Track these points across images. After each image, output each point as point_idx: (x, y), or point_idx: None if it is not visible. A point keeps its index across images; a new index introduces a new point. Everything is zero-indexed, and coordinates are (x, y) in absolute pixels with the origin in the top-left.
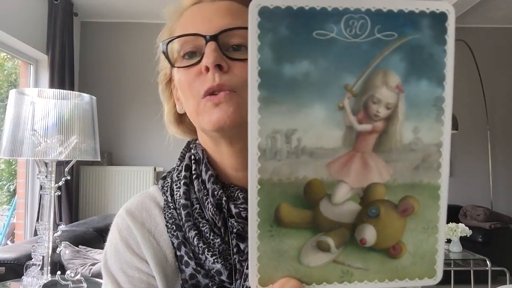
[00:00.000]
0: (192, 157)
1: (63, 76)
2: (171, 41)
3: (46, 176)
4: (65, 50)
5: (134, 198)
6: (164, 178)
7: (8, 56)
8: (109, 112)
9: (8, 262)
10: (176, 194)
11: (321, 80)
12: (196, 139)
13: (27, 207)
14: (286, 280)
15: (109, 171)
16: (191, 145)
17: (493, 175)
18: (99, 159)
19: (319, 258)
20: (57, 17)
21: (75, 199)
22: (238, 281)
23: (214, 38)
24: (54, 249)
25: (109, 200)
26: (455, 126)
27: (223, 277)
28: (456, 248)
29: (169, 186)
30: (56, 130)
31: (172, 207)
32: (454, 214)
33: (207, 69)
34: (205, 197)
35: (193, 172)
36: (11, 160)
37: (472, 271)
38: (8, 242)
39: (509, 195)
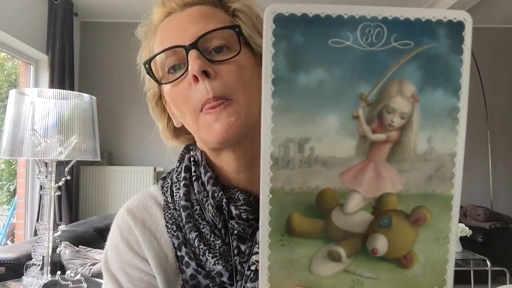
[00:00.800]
0: (192, 158)
1: (63, 76)
2: (152, 59)
3: (46, 176)
4: (65, 50)
5: (135, 198)
6: (164, 178)
7: (8, 56)
8: (109, 112)
9: (8, 262)
10: (176, 195)
11: (335, 88)
12: (195, 140)
13: (27, 207)
14: None
15: (109, 171)
16: (190, 147)
17: (493, 175)
18: (99, 159)
19: (330, 268)
20: (57, 17)
21: (75, 199)
22: (239, 283)
23: (193, 46)
24: (54, 249)
25: (109, 200)
26: None
27: (224, 279)
28: (456, 248)
29: (169, 187)
30: (56, 130)
31: (172, 207)
32: None
33: (196, 78)
34: (205, 199)
35: (193, 173)
36: (11, 160)
37: (472, 271)
38: (8, 242)
39: (509, 195)
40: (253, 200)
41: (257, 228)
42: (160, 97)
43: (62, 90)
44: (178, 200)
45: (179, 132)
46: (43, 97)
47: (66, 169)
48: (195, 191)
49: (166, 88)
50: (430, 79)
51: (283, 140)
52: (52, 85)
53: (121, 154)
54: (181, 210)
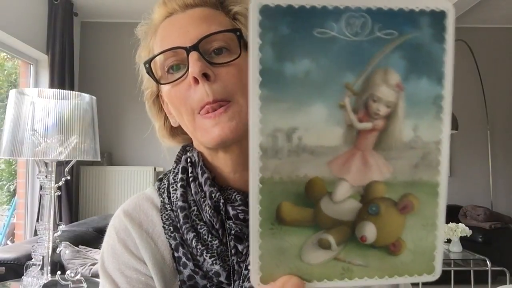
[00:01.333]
0: (188, 159)
1: (63, 76)
2: (152, 59)
3: (46, 176)
4: (65, 50)
5: (131, 200)
6: (161, 180)
7: (8, 56)
8: (109, 112)
9: (8, 262)
10: (173, 196)
11: (321, 78)
12: (191, 141)
13: (27, 207)
14: (288, 277)
15: (109, 171)
16: (187, 148)
17: (493, 175)
18: (99, 159)
19: (320, 256)
20: (57, 17)
21: (75, 199)
22: (237, 282)
23: (194, 47)
24: (54, 249)
25: (109, 200)
26: (455, 126)
27: (222, 278)
28: (456, 248)
29: (165, 188)
30: (56, 130)
31: (169, 208)
32: (454, 214)
33: (196, 80)
34: (202, 200)
35: (190, 174)
36: (11, 160)
37: (472, 271)
38: (8, 242)
39: (509, 195)
40: None
41: None
42: (157, 96)
43: (62, 90)
44: (175, 201)
45: (176, 131)
46: (43, 97)
47: (66, 169)
48: (192, 192)
49: (165, 88)
50: (414, 68)
51: (271, 130)
52: (52, 85)
53: (121, 154)
54: (178, 211)
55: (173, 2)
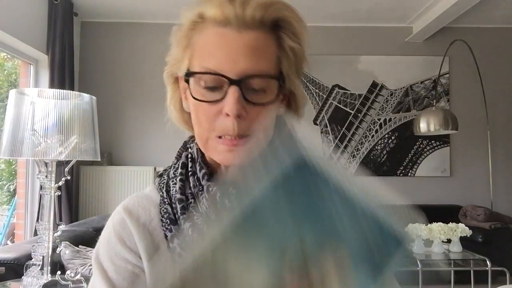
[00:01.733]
0: (189, 155)
1: (63, 76)
2: (194, 73)
3: (46, 176)
4: (65, 50)
5: (131, 197)
6: (161, 175)
7: (8, 56)
8: (109, 112)
9: (8, 262)
10: (172, 189)
11: None
12: (193, 140)
13: (27, 207)
14: None
15: (109, 171)
16: (187, 145)
17: (493, 175)
18: (99, 159)
19: None
20: (57, 17)
21: (75, 199)
22: None
23: (238, 83)
24: (54, 249)
25: (109, 200)
26: (455, 126)
27: None
28: (456, 248)
29: (165, 183)
30: (56, 130)
31: (167, 202)
32: (454, 214)
33: (228, 115)
34: (200, 193)
35: (189, 169)
36: (11, 160)
37: (472, 271)
38: (8, 242)
39: (509, 195)
40: None
41: None
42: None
43: (62, 90)
44: (174, 194)
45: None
46: (43, 97)
47: (66, 169)
48: (191, 185)
49: (192, 95)
50: None
51: None
52: (52, 85)
53: (121, 154)
54: (177, 203)
55: (232, 14)
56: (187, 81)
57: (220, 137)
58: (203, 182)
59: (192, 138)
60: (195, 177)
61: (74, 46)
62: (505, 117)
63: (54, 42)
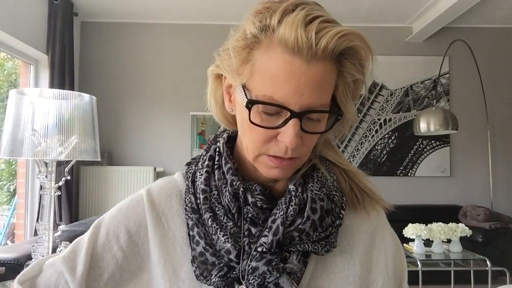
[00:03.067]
0: (217, 149)
1: (63, 76)
2: (257, 103)
3: (46, 176)
4: (65, 50)
5: (158, 181)
6: (189, 164)
7: (8, 56)
8: (109, 112)
9: (8, 262)
10: (198, 180)
11: None
12: (222, 134)
13: (27, 207)
14: None
15: (109, 171)
16: (218, 139)
17: (493, 175)
18: (99, 159)
19: None
20: (57, 17)
21: (75, 199)
22: (245, 261)
23: (299, 116)
24: (54, 249)
25: (109, 200)
26: (455, 126)
27: (231, 256)
28: (456, 248)
29: (192, 173)
30: (56, 130)
31: (191, 192)
32: (454, 214)
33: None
34: (223, 186)
35: (216, 163)
36: (11, 160)
37: (472, 271)
38: (8, 242)
39: (509, 195)
40: (268, 194)
41: (269, 216)
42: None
43: (62, 90)
44: (199, 185)
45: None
46: (43, 97)
47: (66, 169)
48: (216, 178)
49: (249, 117)
50: None
51: None
52: (52, 85)
53: (121, 154)
54: (200, 193)
55: (305, 42)
56: (247, 108)
57: (271, 155)
58: (228, 176)
59: (222, 132)
60: (221, 170)
61: (74, 46)
62: (505, 117)
63: (54, 42)
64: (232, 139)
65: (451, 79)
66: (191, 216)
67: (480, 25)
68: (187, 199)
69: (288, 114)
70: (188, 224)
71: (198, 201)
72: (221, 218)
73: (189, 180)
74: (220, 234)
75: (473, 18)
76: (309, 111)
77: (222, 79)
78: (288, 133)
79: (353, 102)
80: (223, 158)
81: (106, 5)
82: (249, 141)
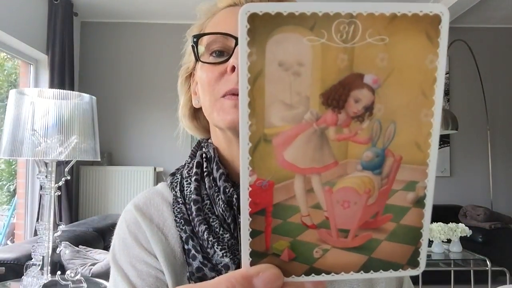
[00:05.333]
0: (204, 155)
1: (63, 76)
2: (201, 36)
3: (46, 176)
4: (65, 50)
5: (142, 194)
6: (173, 174)
7: (8, 56)
8: (109, 112)
9: (8, 262)
10: (186, 189)
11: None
12: (207, 139)
13: (27, 207)
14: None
15: (109, 171)
16: (202, 144)
17: (493, 175)
18: (99, 159)
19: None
20: (57, 17)
21: (75, 199)
22: None
23: None
24: (54, 249)
25: (109, 200)
26: (455, 126)
27: (230, 271)
28: (456, 248)
29: (178, 182)
30: (56, 130)
31: (181, 202)
32: (454, 214)
33: (233, 69)
34: (216, 194)
35: (205, 169)
36: (11, 160)
37: (472, 271)
38: (8, 242)
39: (509, 195)
40: None
41: None
42: (190, 75)
43: (62, 90)
44: (189, 194)
45: (196, 114)
46: (43, 97)
47: (66, 169)
48: (206, 186)
49: (201, 67)
50: None
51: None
52: (52, 85)
53: (121, 154)
54: (192, 204)
55: None
56: (195, 45)
57: (224, 96)
58: (220, 183)
59: (206, 138)
60: (211, 177)
61: (74, 46)
62: (505, 117)
63: (54, 42)
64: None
65: (451, 79)
66: (183, 228)
67: (480, 25)
68: (177, 210)
69: (233, 41)
70: (181, 237)
71: (190, 211)
72: (217, 230)
73: (176, 189)
74: (217, 248)
75: (473, 18)
76: None
77: (191, 78)
78: (235, 55)
79: None
80: (213, 164)
81: (106, 5)
82: (204, 96)
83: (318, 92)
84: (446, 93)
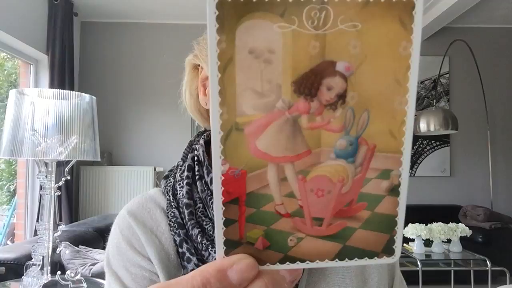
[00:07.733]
0: (195, 158)
1: (63, 76)
2: None
3: (46, 176)
4: (65, 50)
5: (134, 200)
6: (167, 177)
7: (8, 56)
8: (109, 112)
9: (8, 262)
10: (179, 193)
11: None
12: (198, 140)
13: (27, 207)
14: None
15: (109, 171)
16: (193, 146)
17: (493, 175)
18: (99, 159)
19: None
20: (57, 17)
21: (75, 199)
22: None
23: None
24: (54, 249)
25: (109, 200)
26: (455, 126)
27: (204, 265)
28: (456, 248)
29: (171, 186)
30: (56, 130)
31: (174, 206)
32: (454, 214)
33: None
34: (208, 197)
35: (196, 173)
36: (11, 160)
37: (472, 271)
38: (8, 242)
39: (509, 195)
40: None
41: None
42: (197, 67)
43: (62, 90)
44: (181, 198)
45: (201, 109)
46: (43, 97)
47: (66, 169)
48: (198, 190)
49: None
50: None
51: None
52: (52, 85)
53: (121, 154)
54: (184, 208)
55: None
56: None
57: None
58: (212, 187)
59: (197, 138)
60: (203, 181)
61: (74, 46)
62: (505, 117)
63: (54, 42)
64: (208, 144)
65: (451, 79)
66: (177, 231)
67: (480, 25)
68: (171, 214)
69: None
70: (175, 241)
71: (183, 215)
72: (210, 232)
73: (170, 194)
74: (212, 250)
75: (473, 18)
76: None
77: (199, 71)
78: None
79: None
80: (204, 168)
81: (106, 5)
82: None
83: (290, 80)
84: (446, 93)
